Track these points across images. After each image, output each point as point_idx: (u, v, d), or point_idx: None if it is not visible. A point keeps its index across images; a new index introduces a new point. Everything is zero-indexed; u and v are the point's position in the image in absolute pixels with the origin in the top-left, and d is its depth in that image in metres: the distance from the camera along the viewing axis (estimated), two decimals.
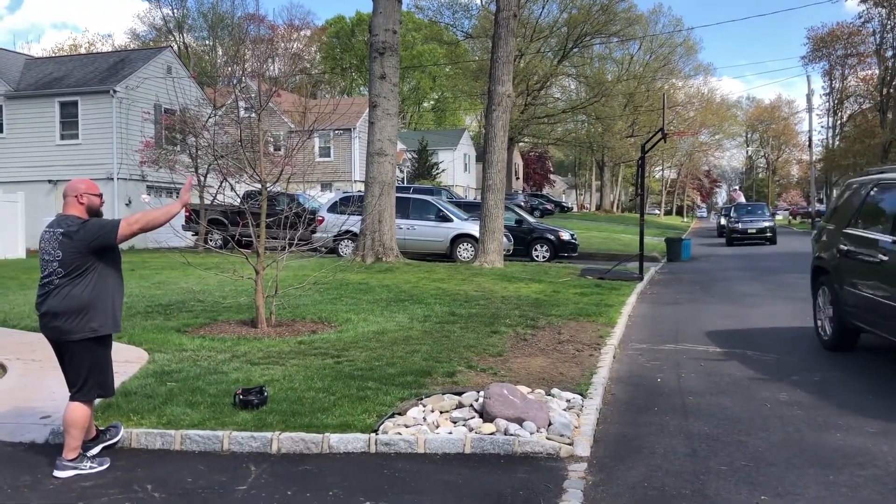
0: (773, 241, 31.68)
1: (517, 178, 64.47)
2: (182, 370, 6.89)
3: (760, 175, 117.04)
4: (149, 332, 8.66)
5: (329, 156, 39.83)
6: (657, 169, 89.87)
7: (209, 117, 21.11)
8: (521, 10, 58.43)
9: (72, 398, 4.73)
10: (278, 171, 9.60)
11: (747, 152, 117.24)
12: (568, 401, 6.25)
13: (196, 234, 25.13)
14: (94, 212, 4.81)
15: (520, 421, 5.42)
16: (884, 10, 46.47)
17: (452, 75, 67.82)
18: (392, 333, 8.95)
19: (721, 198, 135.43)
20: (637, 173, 17.84)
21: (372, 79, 16.63)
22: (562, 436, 5.33)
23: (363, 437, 5.16)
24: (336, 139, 38.74)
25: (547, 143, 64.42)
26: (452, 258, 18.84)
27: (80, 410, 4.71)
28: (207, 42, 70.63)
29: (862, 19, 48.93)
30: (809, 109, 50.98)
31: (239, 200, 23.45)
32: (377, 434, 5.22)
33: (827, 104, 59.82)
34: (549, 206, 51.24)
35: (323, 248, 14.85)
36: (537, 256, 21.30)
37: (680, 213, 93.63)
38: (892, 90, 47.49)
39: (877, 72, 52.16)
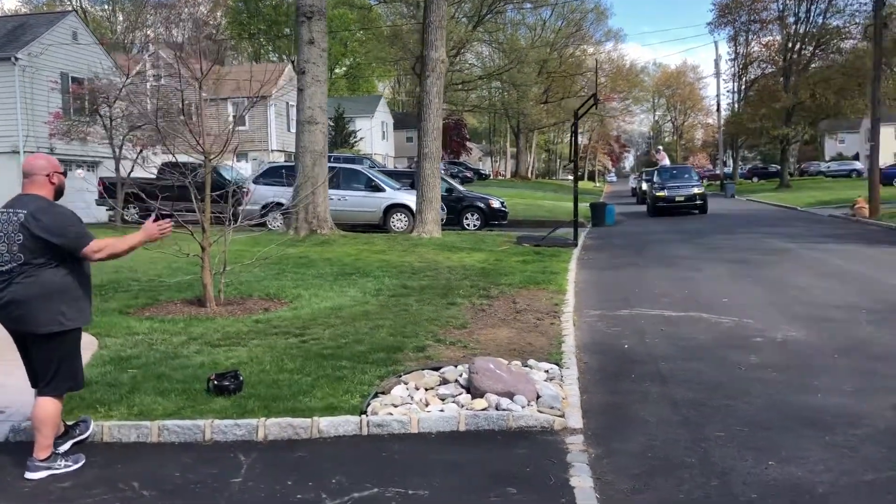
0: (703, 209, 27.50)
1: None
2: (140, 355, 6.50)
3: (667, 139, 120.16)
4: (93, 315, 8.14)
5: (244, 125, 38.59)
6: (569, 135, 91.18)
7: (123, 86, 20.04)
8: None
9: (40, 393, 4.35)
10: (222, 143, 9.14)
11: (654, 117, 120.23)
12: (546, 371, 6.19)
13: (111, 209, 24.04)
14: (61, 191, 4.41)
15: (509, 395, 5.32)
16: None
17: (365, 41, 66.69)
18: (349, 309, 8.71)
19: (629, 162, 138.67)
20: (571, 140, 17.92)
21: (300, 44, 16.07)
22: (552, 408, 5.26)
23: (354, 420, 4.97)
24: (247, 108, 37.54)
25: (463, 111, 64.23)
26: (385, 229, 18.57)
27: (51, 406, 4.34)
28: (107, 7, 67.20)
29: None
30: (717, 74, 52.64)
31: (156, 173, 22.54)
32: (367, 415, 5.03)
33: (732, 69, 61.58)
34: (468, 174, 51.27)
35: (247, 223, 14.37)
36: (468, 225, 21.25)
37: (592, 178, 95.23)
38: (793, 55, 49.22)
39: (778, 38, 53.93)
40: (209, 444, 4.83)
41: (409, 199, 19.00)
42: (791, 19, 49.20)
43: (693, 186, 28.05)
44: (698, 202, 27.45)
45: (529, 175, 76.66)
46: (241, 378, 5.52)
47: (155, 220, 4.56)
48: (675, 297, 10.01)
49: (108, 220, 23.84)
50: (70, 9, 47.13)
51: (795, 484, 4.02)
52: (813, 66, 48.21)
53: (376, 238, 16.32)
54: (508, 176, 78.33)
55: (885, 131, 69.69)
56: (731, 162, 69.43)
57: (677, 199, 27.47)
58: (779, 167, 53.54)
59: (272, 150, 37.71)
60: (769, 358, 6.63)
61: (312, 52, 15.85)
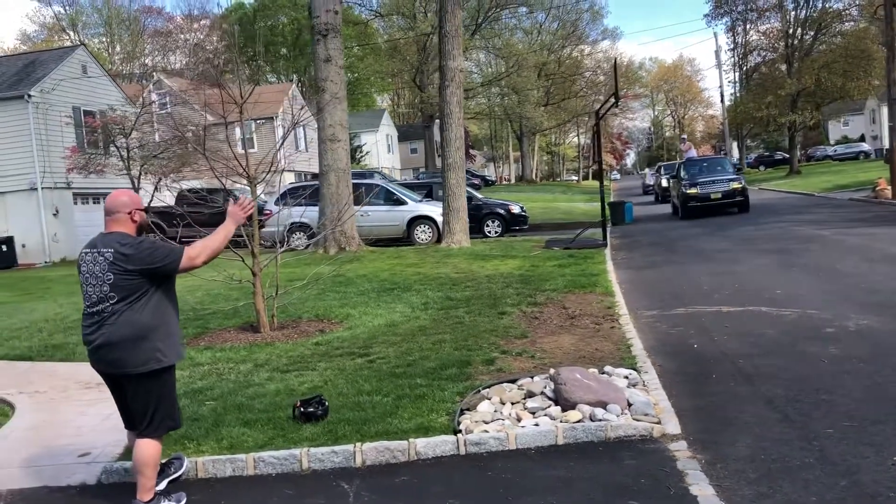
0: (745, 206, 22.84)
1: (439, 156, 64.18)
2: (212, 387, 6.40)
3: (668, 133, 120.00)
4: None
5: (253, 147, 38.61)
6: (572, 135, 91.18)
7: (139, 115, 20.02)
8: None
9: (140, 435, 4.23)
10: (265, 166, 9.06)
11: (654, 112, 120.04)
12: (626, 377, 6.06)
13: None
14: (145, 228, 4.31)
15: (602, 404, 5.20)
16: None
17: (363, 56, 66.76)
18: (403, 325, 8.60)
19: (630, 159, 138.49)
20: (593, 140, 17.90)
21: (317, 62, 16.02)
22: (646, 415, 5.14)
23: (450, 440, 4.85)
24: (259, 128, 37.57)
25: (468, 118, 64.16)
26: (410, 241, 18.48)
27: (152, 448, 4.23)
28: (104, 38, 67.41)
29: None
30: (719, 65, 52.49)
31: (174, 201, 22.51)
32: (463, 434, 4.91)
33: (732, 59, 61.48)
34: (475, 181, 51.15)
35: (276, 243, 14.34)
36: (490, 232, 21.13)
37: (595, 177, 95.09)
38: (794, 41, 49.10)
39: (777, 25, 53.82)
40: (307, 473, 4.72)
41: (432, 210, 18.91)
42: (790, 5, 49.08)
43: (730, 180, 23.13)
44: (738, 199, 22.69)
45: (535, 178, 76.60)
46: (327, 403, 5.42)
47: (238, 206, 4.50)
48: (726, 291, 9.88)
49: None
50: (73, 43, 47.31)
51: None
52: (815, 50, 48.02)
53: (405, 251, 16.23)
54: (513, 180, 78.29)
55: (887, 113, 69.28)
56: (736, 152, 69.27)
57: (713, 196, 22.64)
58: (784, 154, 53.37)
59: (282, 171, 37.63)
60: (850, 349, 6.49)
61: (330, 69, 15.80)
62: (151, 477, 4.24)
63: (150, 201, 21.11)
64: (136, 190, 20.70)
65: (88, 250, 4.17)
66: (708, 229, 18.87)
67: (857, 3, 47.19)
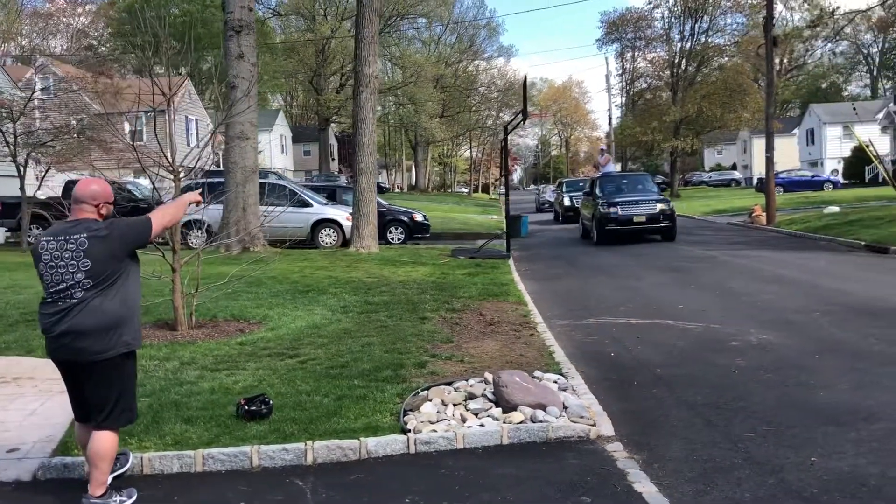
0: (671, 233, 19.83)
1: (333, 160, 63.75)
2: (142, 383, 6.17)
3: (554, 152, 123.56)
4: None
5: (142, 139, 37.20)
6: (464, 148, 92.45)
7: (28, 100, 18.99)
8: None
9: (99, 426, 4.13)
10: (186, 159, 8.85)
11: (542, 131, 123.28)
12: (555, 382, 6.32)
13: (9, 230, 22.65)
14: (108, 219, 4.24)
15: (541, 407, 5.43)
16: None
17: (258, 54, 65.41)
18: (327, 327, 8.60)
19: (516, 175, 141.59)
20: (501, 154, 18.26)
21: (228, 59, 15.72)
22: (581, 417, 5.40)
23: (401, 439, 4.96)
24: (150, 122, 36.23)
25: None
26: (314, 244, 18.33)
27: (110, 440, 4.13)
28: None
29: (651, 5, 52.89)
30: (608, 88, 54.49)
31: (61, 192, 21.49)
32: (413, 434, 5.02)
33: (620, 83, 64.20)
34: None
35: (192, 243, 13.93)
36: (392, 238, 21.22)
37: (486, 190, 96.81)
38: (679, 71, 51.77)
39: (663, 54, 56.60)
40: (257, 470, 4.71)
41: (337, 214, 18.84)
42: (676, 37, 51.73)
43: (655, 201, 20.00)
44: (664, 224, 19.60)
45: (427, 188, 77.18)
46: (271, 402, 5.40)
47: None
48: (632, 305, 10.38)
49: (4, 241, 22.48)
50: None
51: (847, 477, 4.30)
52: (698, 81, 50.77)
53: (312, 254, 16.12)
54: (405, 189, 78.58)
55: (759, 143, 74.09)
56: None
57: (636, 219, 19.48)
58: (664, 178, 56.00)
59: (144, 167, 36.33)
60: (756, 360, 7.00)
61: (242, 66, 15.54)
62: (106, 471, 4.15)
63: (36, 191, 20.07)
64: (21, 178, 19.64)
65: (51, 238, 4.06)
66: (598, 247, 19.61)
67: (735, 40, 50.30)
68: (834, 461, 4.55)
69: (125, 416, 4.21)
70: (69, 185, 21.96)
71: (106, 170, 30.91)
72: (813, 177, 48.45)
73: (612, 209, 19.66)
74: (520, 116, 18.04)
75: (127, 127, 37.58)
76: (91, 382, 4.10)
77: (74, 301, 4.00)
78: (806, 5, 37.43)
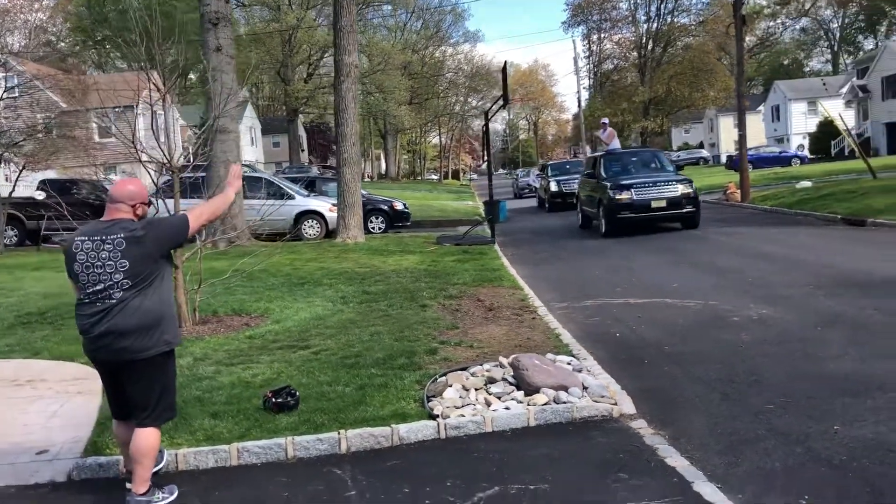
0: (694, 221, 16.70)
1: (303, 151, 63.35)
2: None
3: (522, 136, 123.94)
4: (65, 345, 7.68)
5: (109, 136, 36.67)
6: (433, 135, 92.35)
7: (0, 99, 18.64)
8: None
9: (141, 424, 4.15)
10: (177, 156, 8.78)
11: (509, 115, 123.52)
12: (569, 363, 6.42)
13: None
14: (143, 218, 4.24)
15: (563, 388, 5.53)
16: None
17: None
18: (331, 318, 8.63)
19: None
20: (483, 139, 18.30)
21: (206, 52, 15.56)
22: (602, 397, 5.52)
23: (431, 424, 5.03)
24: (118, 118, 35.70)
25: (332, 114, 63.58)
26: (298, 237, 18.26)
27: (153, 437, 4.16)
28: None
29: None
30: (577, 71, 54.73)
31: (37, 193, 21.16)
32: (442, 419, 5.10)
33: (588, 66, 64.45)
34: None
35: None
36: (373, 228, 21.17)
37: (455, 176, 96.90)
38: (646, 52, 52.21)
39: (629, 36, 57.01)
40: (293, 461, 4.76)
41: (319, 205, 18.80)
42: (642, 18, 52.08)
43: (675, 181, 16.72)
44: (687, 210, 16.43)
45: (398, 176, 77.07)
46: (297, 394, 5.44)
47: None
48: (627, 285, 10.53)
49: None
50: None
51: (872, 444, 4.45)
52: (665, 61, 51.21)
53: (298, 246, 16.08)
54: (376, 177, 78.36)
55: (725, 121, 74.93)
56: (583, 156, 72.57)
57: (654, 204, 16.23)
58: None
59: (139, 162, 35.92)
60: (759, 335, 7.16)
61: (221, 59, 15.41)
62: (149, 468, 4.17)
63: (12, 191, 19.78)
64: None
65: (86, 238, 4.05)
66: (562, 219, 19.79)
67: (700, 19, 50.79)
68: (856, 429, 4.70)
69: (167, 413, 4.23)
70: (41, 186, 21.66)
71: (77, 167, 30.52)
72: (781, 152, 49.20)
73: (624, 193, 16.33)
74: (500, 102, 18.03)
75: (95, 125, 37.20)
76: (133, 381, 4.11)
77: (114, 301, 4.00)
78: None
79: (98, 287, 4.01)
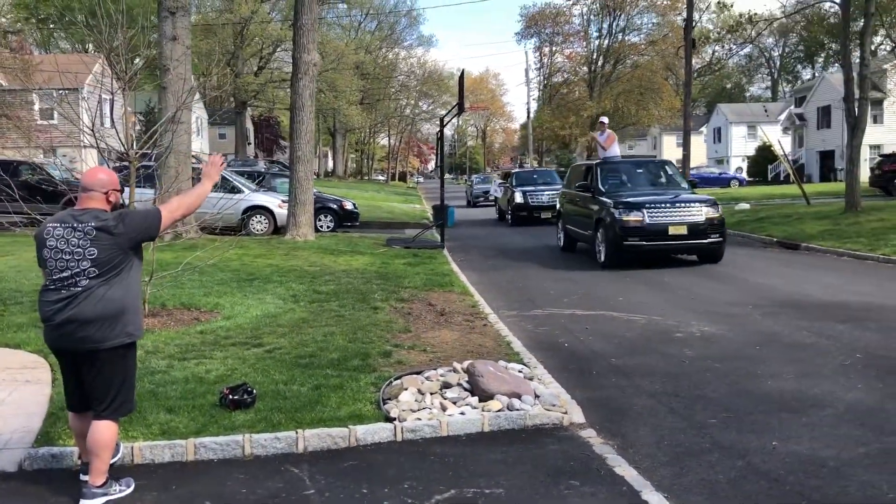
0: (717, 254, 13.67)
1: (249, 144, 62.59)
2: None
3: (470, 142, 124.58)
4: (10, 332, 7.53)
5: (52, 118, 35.70)
6: (381, 136, 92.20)
7: None
8: None
9: (98, 416, 4.13)
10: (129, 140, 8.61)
11: (458, 121, 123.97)
12: (520, 371, 6.58)
13: None
14: (116, 208, 4.23)
15: (517, 395, 5.66)
16: None
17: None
18: (283, 317, 8.63)
19: (431, 164, 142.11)
20: (437, 145, 18.43)
21: (162, 40, 15.33)
22: (553, 405, 5.67)
23: (388, 427, 5.11)
24: (61, 100, 34.78)
25: (281, 109, 62.97)
26: (245, 231, 18.11)
27: (111, 430, 4.15)
28: None
29: (571, 1, 53.99)
30: (527, 82, 55.42)
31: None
32: (399, 422, 5.18)
33: (538, 77, 65.27)
34: (286, 174, 50.45)
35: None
36: (322, 226, 21.08)
37: (402, 178, 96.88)
38: (596, 67, 53.11)
39: (581, 51, 57.91)
40: (250, 459, 4.78)
41: (268, 200, 18.67)
42: (594, 34, 52.98)
43: (698, 203, 13.55)
44: (713, 240, 13.33)
45: (345, 175, 76.70)
46: (255, 391, 5.46)
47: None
48: (574, 297, 10.76)
49: None
50: None
51: (808, 459, 4.69)
52: (614, 78, 52.19)
53: (247, 241, 15.94)
54: (322, 175, 77.81)
55: (669, 139, 76.51)
56: (529, 164, 73.40)
57: (673, 230, 13.06)
58: None
59: (84, 146, 35.09)
60: (702, 351, 7.43)
61: (177, 49, 15.20)
62: (107, 460, 4.17)
63: None
64: None
65: (56, 224, 4.04)
66: (528, 238, 20.07)
67: (651, 39, 51.91)
68: (793, 445, 4.95)
69: (126, 406, 4.22)
70: None
71: (15, 149, 29.58)
72: (720, 174, 50.61)
73: (634, 215, 13.02)
74: (455, 109, 18.19)
75: (37, 105, 36.20)
76: (93, 372, 4.10)
77: (79, 289, 3.99)
78: (716, 11, 39.01)
79: (65, 274, 4.00)
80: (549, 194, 24.36)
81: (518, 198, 25.21)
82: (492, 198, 36.58)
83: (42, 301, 4.11)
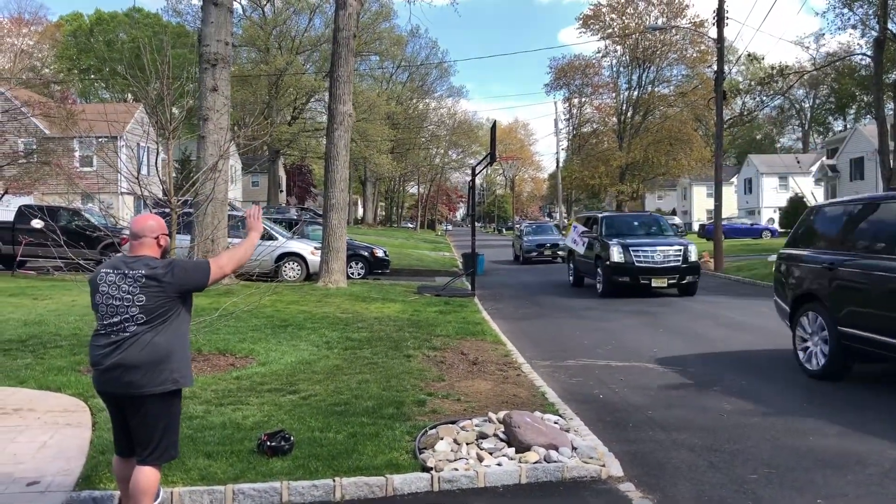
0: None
1: (281, 192, 63.48)
2: None
3: (499, 191, 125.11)
4: (51, 375, 7.63)
5: (91, 165, 36.61)
6: (412, 184, 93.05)
7: None
8: (286, 24, 57.96)
9: (143, 462, 4.17)
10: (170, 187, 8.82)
11: (487, 171, 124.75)
12: (556, 423, 6.53)
13: None
14: (167, 252, 4.32)
15: (554, 447, 5.62)
16: (620, 48, 52.28)
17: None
18: (317, 364, 8.67)
19: (460, 213, 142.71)
20: (469, 194, 18.58)
21: (203, 91, 15.75)
22: (591, 458, 5.61)
23: (425, 476, 5.09)
24: (100, 148, 35.67)
25: (315, 157, 63.98)
26: (278, 278, 18.28)
27: (154, 476, 4.17)
28: None
29: (600, 54, 54.55)
30: (556, 132, 55.79)
31: (14, 217, 20.96)
32: (435, 472, 5.16)
33: (567, 128, 65.68)
34: (319, 221, 50.97)
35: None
36: (353, 273, 21.25)
37: (431, 226, 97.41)
38: (626, 118, 53.41)
39: (610, 102, 58.32)
40: None
41: (301, 247, 18.87)
42: (623, 85, 53.38)
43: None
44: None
45: (374, 222, 77.34)
46: (293, 438, 5.47)
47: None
48: (608, 347, 10.69)
49: None
50: None
51: None
52: (643, 129, 52.38)
53: (281, 288, 16.07)
54: (352, 222, 78.58)
55: (699, 190, 76.30)
56: (558, 214, 73.44)
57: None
58: None
59: (121, 193, 35.85)
60: (741, 405, 7.32)
61: (217, 99, 15.59)
62: None
63: None
64: None
65: (110, 270, 4.13)
66: (557, 288, 20.02)
67: (681, 91, 52.18)
68: (839, 502, 4.84)
69: (169, 452, 4.25)
70: (21, 210, 21.50)
71: (54, 194, 30.27)
72: (752, 224, 50.24)
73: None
74: (487, 159, 18.38)
75: (77, 152, 37.11)
76: (137, 417, 4.14)
77: (127, 335, 4.06)
78: (746, 64, 39.23)
79: (114, 319, 4.08)
80: (663, 251, 17.36)
81: (616, 254, 17.29)
82: (561, 251, 29.26)
83: (92, 345, 4.19)
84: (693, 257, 17.59)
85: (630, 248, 17.21)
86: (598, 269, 17.94)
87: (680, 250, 17.37)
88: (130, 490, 4.17)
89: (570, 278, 21.13)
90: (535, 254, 31.34)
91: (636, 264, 17.07)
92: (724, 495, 5.05)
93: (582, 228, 19.86)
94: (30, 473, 5.07)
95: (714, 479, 5.35)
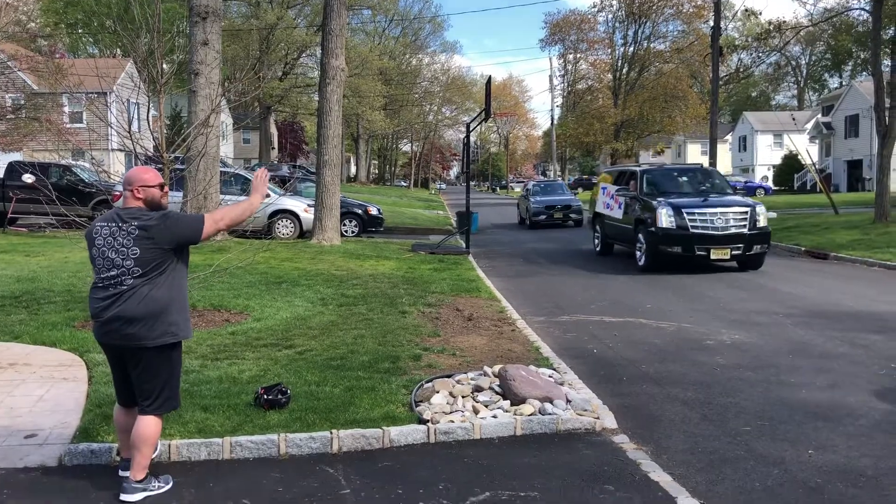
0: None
1: (273, 149, 62.98)
2: None
3: (493, 149, 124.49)
4: (46, 330, 7.63)
5: (81, 121, 36.24)
6: (404, 141, 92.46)
7: None
8: None
9: (144, 411, 4.19)
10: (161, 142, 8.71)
11: (481, 127, 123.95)
12: (550, 377, 6.57)
13: None
14: (155, 205, 4.26)
15: (548, 400, 5.66)
16: (615, 2, 51.69)
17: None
18: (312, 319, 8.69)
19: (453, 172, 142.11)
20: (463, 151, 18.47)
21: (193, 45, 15.49)
22: (585, 410, 5.66)
23: (421, 429, 5.12)
24: (90, 103, 35.27)
25: (307, 114, 63.37)
26: (271, 235, 18.24)
27: (154, 426, 4.20)
28: None
29: (596, 8, 53.93)
30: (551, 88, 55.36)
31: (3, 173, 20.76)
32: (432, 424, 5.20)
33: (562, 84, 65.20)
34: (312, 178, 50.71)
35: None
36: (346, 231, 21.19)
37: (425, 184, 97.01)
38: (621, 74, 52.98)
39: (605, 58, 57.79)
40: (285, 458, 4.81)
41: (294, 205, 18.78)
42: (619, 41, 52.85)
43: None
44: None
45: (367, 180, 76.97)
46: (289, 392, 5.50)
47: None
48: (602, 303, 10.74)
49: None
50: None
51: (845, 468, 4.65)
52: (639, 86, 52.01)
53: (274, 245, 16.03)
54: (344, 180, 78.17)
55: (693, 147, 76.09)
56: (552, 172, 73.20)
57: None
58: None
59: (112, 150, 35.54)
60: (734, 359, 7.38)
61: (207, 53, 15.35)
62: (148, 455, 4.22)
63: None
64: None
65: (105, 223, 4.11)
66: (552, 244, 20.04)
67: (677, 47, 51.70)
68: (829, 454, 4.90)
69: (170, 402, 4.28)
70: (12, 166, 21.30)
71: (44, 151, 30.00)
72: (746, 182, 50.20)
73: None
74: (482, 116, 18.24)
75: (66, 108, 36.69)
76: (138, 369, 4.16)
77: (125, 288, 4.05)
78: (742, 19, 38.81)
79: (112, 273, 4.06)
80: (724, 214, 13.87)
81: (664, 219, 13.82)
82: (573, 214, 27.61)
83: (91, 298, 4.18)
84: (762, 222, 14.05)
85: (684, 211, 13.68)
86: (640, 236, 14.37)
87: (746, 213, 13.81)
88: (132, 439, 4.20)
89: (596, 246, 17.65)
90: (544, 216, 27.52)
91: (691, 230, 13.51)
92: (717, 447, 5.11)
93: (614, 188, 16.40)
94: (27, 426, 5.10)
95: (707, 432, 5.41)
